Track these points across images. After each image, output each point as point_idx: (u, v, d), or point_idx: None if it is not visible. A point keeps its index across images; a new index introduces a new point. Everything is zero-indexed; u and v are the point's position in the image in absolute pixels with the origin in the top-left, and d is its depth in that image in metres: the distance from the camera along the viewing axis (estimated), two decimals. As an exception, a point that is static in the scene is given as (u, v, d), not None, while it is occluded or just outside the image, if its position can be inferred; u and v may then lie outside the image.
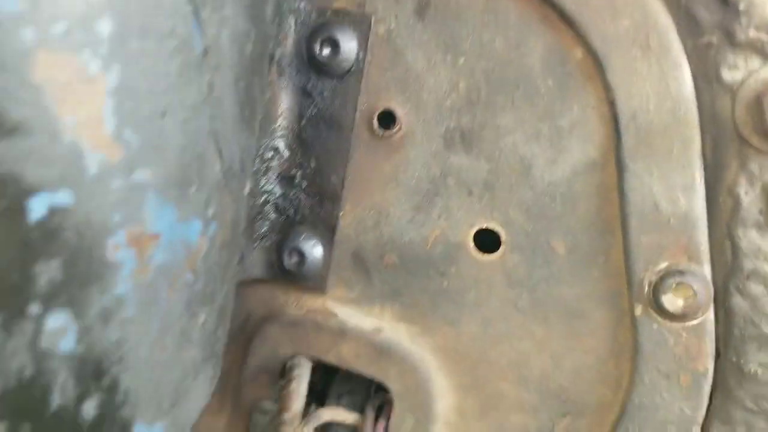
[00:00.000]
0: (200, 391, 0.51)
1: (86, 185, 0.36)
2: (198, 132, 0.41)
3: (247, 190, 0.50)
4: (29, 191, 0.34)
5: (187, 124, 0.40)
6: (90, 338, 0.39)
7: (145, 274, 0.41)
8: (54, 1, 0.33)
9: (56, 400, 0.39)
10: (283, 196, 0.63)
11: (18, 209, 0.34)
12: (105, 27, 0.34)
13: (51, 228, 0.35)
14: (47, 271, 0.36)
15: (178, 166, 0.40)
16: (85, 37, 0.34)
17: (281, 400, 0.63)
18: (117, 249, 0.38)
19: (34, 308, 0.36)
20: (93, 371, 0.40)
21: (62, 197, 0.35)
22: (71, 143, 0.35)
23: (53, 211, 0.35)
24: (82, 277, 0.38)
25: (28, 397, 0.38)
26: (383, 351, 0.63)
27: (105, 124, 0.36)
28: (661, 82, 0.53)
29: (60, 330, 0.38)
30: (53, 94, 0.33)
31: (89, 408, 0.41)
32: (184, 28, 0.38)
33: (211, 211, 0.44)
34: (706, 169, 0.53)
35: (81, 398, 0.40)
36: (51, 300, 0.37)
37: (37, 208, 0.35)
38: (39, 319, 0.37)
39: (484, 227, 0.60)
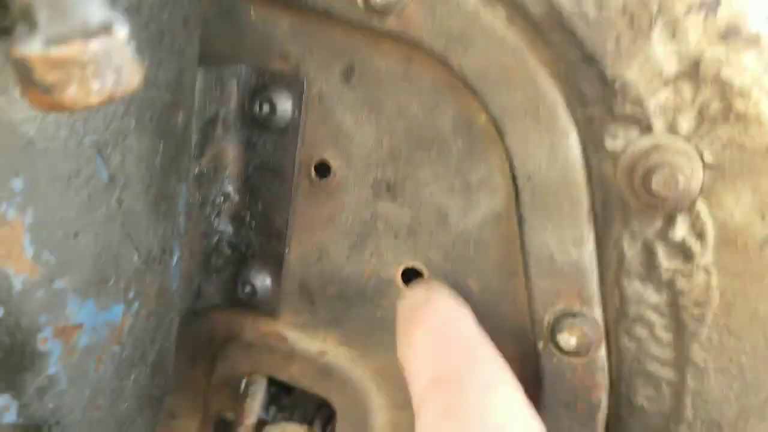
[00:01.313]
0: (141, 430, 0.59)
1: (13, 300, 0.44)
2: (110, 239, 0.49)
3: (175, 260, 0.57)
4: None
5: (99, 236, 0.48)
6: (29, 411, 0.48)
7: (72, 355, 0.49)
8: None
9: None
10: (235, 234, 0.71)
11: None
12: (17, 184, 0.42)
13: None
14: None
15: (94, 269, 0.48)
16: (1, 194, 0.42)
17: (237, 415, 0.71)
18: (45, 341, 0.47)
19: None
20: None
21: None
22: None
23: None
24: (17, 366, 0.46)
25: None
26: (326, 371, 0.71)
27: (25, 253, 0.44)
28: (551, 149, 0.58)
29: (2, 408, 0.47)
30: None
31: None
32: (88, 167, 0.45)
33: (132, 294, 0.52)
34: (597, 224, 0.59)
35: None
36: None
37: None
38: None
39: (409, 266, 0.67)
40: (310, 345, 0.72)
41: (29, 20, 0.30)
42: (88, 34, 0.31)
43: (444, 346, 0.57)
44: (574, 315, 0.60)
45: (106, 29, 0.31)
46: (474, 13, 0.58)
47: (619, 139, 0.56)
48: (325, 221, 0.68)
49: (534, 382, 0.64)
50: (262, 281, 0.71)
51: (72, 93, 0.30)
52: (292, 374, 0.72)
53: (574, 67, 0.56)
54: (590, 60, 0.55)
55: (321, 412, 0.74)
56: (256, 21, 0.66)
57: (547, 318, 0.61)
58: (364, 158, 0.66)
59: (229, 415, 0.76)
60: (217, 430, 0.77)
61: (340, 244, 0.69)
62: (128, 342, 0.54)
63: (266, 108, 0.66)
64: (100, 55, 0.31)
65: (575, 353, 0.61)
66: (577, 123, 0.58)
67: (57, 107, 0.31)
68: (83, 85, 0.31)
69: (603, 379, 0.61)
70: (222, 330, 0.76)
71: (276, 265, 0.71)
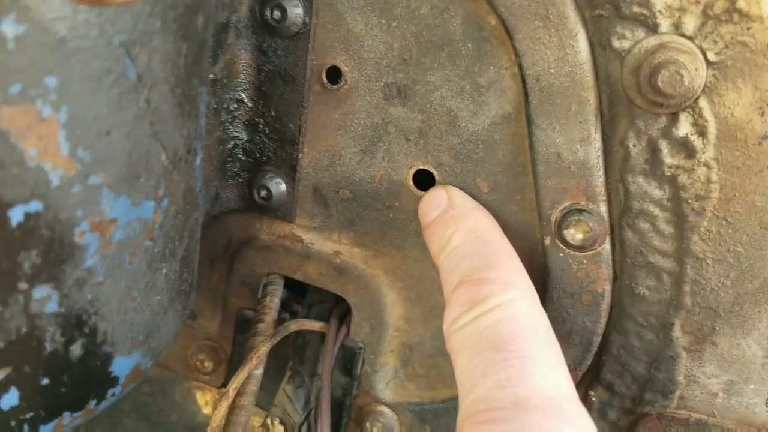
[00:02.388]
0: (171, 324, 0.63)
1: (52, 194, 0.47)
2: (141, 137, 0.51)
3: (198, 161, 0.60)
4: (8, 205, 0.45)
5: (131, 134, 0.50)
6: (69, 301, 0.51)
7: (108, 249, 0.52)
8: (9, 70, 0.42)
9: (48, 346, 0.52)
10: (250, 141, 0.73)
11: (1, 218, 0.45)
12: (52, 81, 0.44)
13: (28, 228, 0.46)
14: (29, 258, 0.47)
15: (127, 166, 0.51)
16: (36, 91, 0.43)
17: (257, 313, 0.75)
18: (83, 235, 0.49)
19: (22, 285, 0.48)
20: (75, 323, 0.53)
21: (34, 206, 0.46)
22: (36, 167, 0.45)
23: (28, 217, 0.46)
24: (58, 258, 0.49)
25: (26, 348, 0.50)
26: (341, 270, 0.74)
27: (61, 149, 0.46)
28: (559, 49, 0.60)
29: (45, 298, 0.50)
30: (18, 135, 0.43)
31: (75, 349, 0.54)
32: (118, 66, 0.47)
33: (161, 191, 0.55)
34: (604, 123, 0.61)
35: (68, 343, 0.53)
36: (35, 278, 0.48)
37: (16, 216, 0.45)
38: (27, 293, 0.49)
39: (420, 168, 0.69)
40: (324, 246, 0.75)
41: None
42: None
43: (478, 250, 0.61)
44: (580, 211, 0.63)
45: None
46: None
47: (626, 39, 0.58)
48: (337, 126, 0.70)
49: (541, 276, 0.67)
50: (277, 186, 0.74)
51: None
52: (308, 273, 0.76)
53: None
54: None
55: (335, 311, 0.78)
56: None
57: (554, 214, 0.64)
58: (375, 63, 0.67)
59: (249, 314, 0.79)
60: (237, 328, 0.81)
61: (352, 148, 0.71)
62: (159, 237, 0.56)
63: (277, 13, 0.67)
64: None
65: (581, 247, 0.64)
66: (586, 23, 0.59)
67: (95, 2, 0.32)
68: None
69: (607, 270, 0.65)
70: (239, 234, 0.78)
71: (290, 169, 0.73)
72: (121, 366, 0.59)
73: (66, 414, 0.55)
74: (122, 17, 0.46)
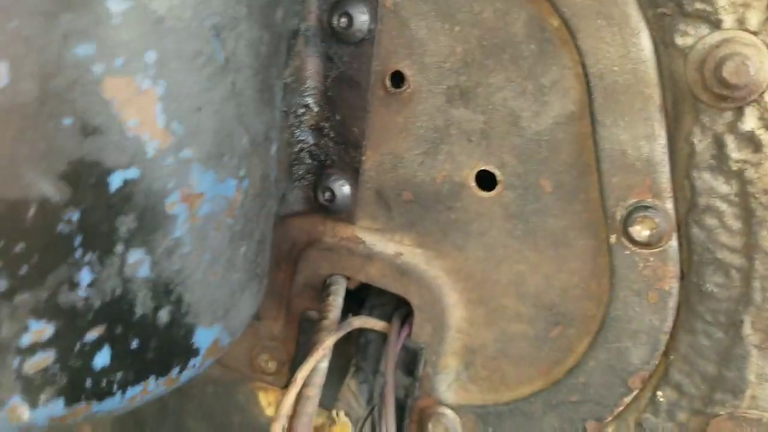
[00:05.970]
0: (247, 303, 0.66)
1: (148, 163, 0.50)
2: (227, 118, 0.54)
3: (273, 150, 0.63)
4: (109, 170, 0.49)
5: (218, 113, 0.53)
6: (159, 267, 0.54)
7: (195, 221, 0.55)
8: (114, 43, 0.46)
9: (139, 310, 0.55)
10: (315, 144, 0.75)
11: (102, 183, 0.49)
12: (151, 57, 0.47)
13: (126, 194, 0.50)
14: (126, 223, 0.51)
15: (214, 143, 0.54)
16: (137, 65, 0.47)
17: (321, 311, 0.76)
18: (174, 205, 0.53)
19: (119, 248, 0.52)
20: (163, 290, 0.56)
21: (132, 173, 0.50)
22: (134, 137, 0.49)
23: (126, 183, 0.50)
24: (151, 225, 0.52)
25: (119, 309, 0.53)
26: (404, 271, 0.75)
27: (157, 121, 0.49)
28: (623, 47, 0.61)
29: (138, 262, 0.53)
30: (119, 105, 0.47)
31: (163, 315, 0.57)
32: (208, 47, 0.50)
33: (242, 172, 0.58)
34: (668, 120, 0.62)
35: (156, 309, 0.56)
36: (130, 242, 0.52)
37: (115, 181, 0.49)
38: (123, 255, 0.52)
39: (482, 169, 0.70)
40: (386, 247, 0.76)
41: None
42: None
43: None
44: (646, 207, 0.63)
45: None
46: None
47: (690, 36, 0.59)
48: (399, 129, 0.72)
49: (607, 275, 0.67)
50: (341, 188, 0.75)
51: None
52: (371, 274, 0.77)
53: None
54: None
55: (397, 314, 0.79)
56: None
57: (620, 212, 0.64)
58: (438, 67, 0.68)
59: (313, 314, 0.81)
60: (300, 328, 0.83)
61: (414, 151, 0.72)
62: (240, 216, 0.60)
63: (344, 21, 0.69)
64: None
65: (647, 244, 0.64)
66: (648, 21, 0.60)
67: None
68: None
69: (674, 268, 0.65)
70: (303, 235, 0.80)
71: (353, 172, 0.75)
72: (202, 337, 0.61)
73: (151, 378, 0.58)
74: (213, 1, 0.49)
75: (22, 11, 0.42)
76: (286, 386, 0.83)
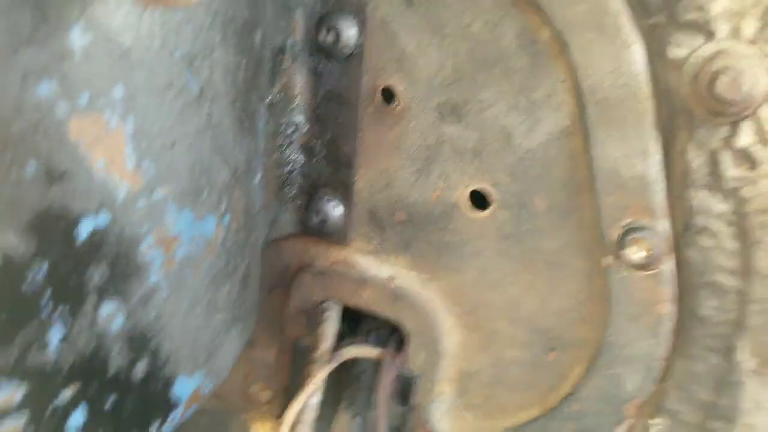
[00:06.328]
0: (232, 344, 0.63)
1: (118, 208, 0.48)
2: (203, 151, 0.52)
3: (257, 179, 0.60)
4: (77, 218, 0.46)
5: (193, 147, 0.51)
6: (135, 318, 0.52)
7: (172, 265, 0.53)
8: (78, 79, 0.43)
9: (114, 365, 0.52)
10: (306, 164, 0.73)
11: (71, 232, 0.46)
12: (118, 92, 0.45)
13: (96, 242, 0.47)
14: (97, 273, 0.48)
15: (190, 179, 0.52)
16: (104, 101, 0.45)
17: (312, 341, 0.74)
18: (148, 250, 0.50)
19: (91, 300, 0.49)
20: (140, 342, 0.53)
21: (102, 219, 0.47)
22: (103, 180, 0.46)
23: (96, 231, 0.47)
24: (124, 274, 0.50)
25: (93, 365, 0.51)
26: (397, 296, 0.73)
27: (126, 162, 0.47)
28: (614, 60, 0.58)
29: (112, 314, 0.50)
30: (86, 147, 0.44)
31: (140, 369, 0.54)
32: (180, 79, 0.48)
33: (223, 207, 0.56)
34: (663, 135, 0.59)
35: (133, 362, 0.53)
36: (102, 293, 0.49)
37: (85, 229, 0.46)
38: (95, 308, 0.49)
39: (476, 188, 0.68)
40: (380, 270, 0.74)
41: None
42: None
43: None
44: (641, 228, 0.61)
45: None
46: None
47: (683, 47, 0.56)
48: (391, 147, 0.70)
49: (601, 297, 0.64)
50: (333, 209, 0.73)
51: None
52: (364, 299, 0.75)
53: None
54: None
55: (393, 336, 0.76)
56: None
57: (615, 232, 0.62)
58: (428, 82, 0.67)
59: (305, 342, 0.78)
60: (294, 356, 0.80)
61: (407, 169, 0.70)
62: (221, 253, 0.57)
63: (331, 36, 0.68)
64: None
65: (642, 266, 0.62)
66: (641, 33, 0.58)
67: (167, 3, 0.33)
68: None
69: (670, 291, 0.62)
70: (295, 259, 0.78)
71: (346, 192, 0.73)
72: (183, 387, 0.59)
73: None
74: (184, 29, 0.47)
75: None
76: (280, 416, 0.81)
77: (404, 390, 0.75)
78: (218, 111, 0.53)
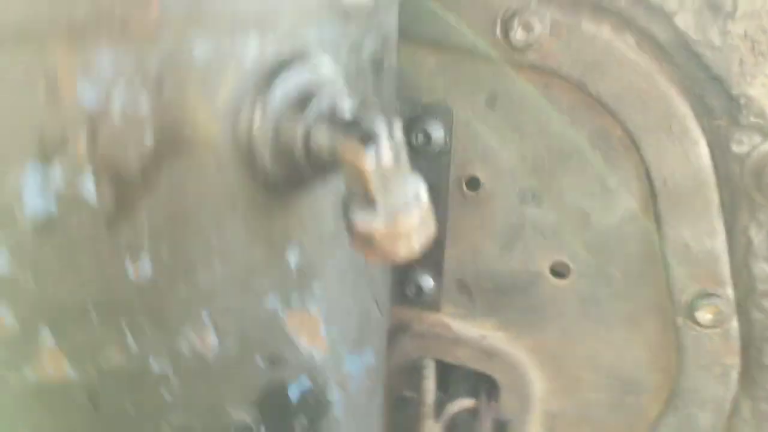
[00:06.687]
0: None
1: (316, 370, 0.57)
2: (366, 300, 0.62)
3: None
4: (288, 386, 0.55)
5: (360, 302, 0.61)
6: None
7: (349, 399, 0.62)
8: (292, 287, 0.53)
9: None
10: (402, 245, 0.83)
11: (285, 399, 0.56)
12: (317, 289, 0.54)
13: (301, 401, 0.57)
14: (299, 423, 0.57)
15: (357, 328, 0.61)
16: (308, 298, 0.54)
17: (420, 395, 0.84)
18: (332, 393, 0.60)
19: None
20: None
21: (303, 381, 0.57)
22: (306, 352, 0.56)
23: (301, 393, 0.57)
24: (317, 417, 0.59)
25: None
26: (489, 352, 0.83)
27: (321, 333, 0.56)
28: (683, 156, 0.68)
29: None
30: (296, 333, 0.54)
31: None
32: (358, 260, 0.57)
33: (376, 338, 0.66)
34: (726, 216, 0.69)
35: None
36: None
37: (293, 394, 0.56)
38: None
39: (556, 260, 0.78)
40: (470, 331, 0.84)
41: (369, 201, 0.41)
42: (410, 206, 0.42)
43: None
44: (709, 295, 0.71)
45: (417, 202, 0.42)
46: (607, 42, 0.67)
47: (744, 145, 0.66)
48: (477, 227, 0.79)
49: (674, 350, 0.74)
50: (426, 281, 0.83)
51: (403, 251, 0.42)
52: (459, 356, 0.85)
53: (701, 85, 0.66)
54: (716, 80, 0.65)
55: (484, 386, 0.86)
56: (406, 61, 0.76)
57: (685, 298, 0.72)
58: (510, 172, 0.76)
59: (407, 393, 0.88)
60: (395, 407, 0.90)
61: (492, 246, 0.79)
62: (374, 371, 0.67)
63: (421, 138, 0.76)
64: (420, 221, 0.42)
65: (711, 326, 0.72)
66: (705, 132, 0.67)
67: (388, 260, 0.42)
68: (410, 245, 0.42)
69: (736, 345, 0.72)
70: (394, 324, 0.88)
71: (437, 267, 0.82)
72: None
73: None
74: None
75: (227, 291, 0.49)
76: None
77: (499, 432, 0.85)
78: (374, 267, 0.62)
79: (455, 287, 0.83)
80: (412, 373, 0.88)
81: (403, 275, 0.84)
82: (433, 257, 0.82)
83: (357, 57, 0.52)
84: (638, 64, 0.67)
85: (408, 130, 0.77)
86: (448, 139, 0.77)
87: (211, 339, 0.49)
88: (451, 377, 0.90)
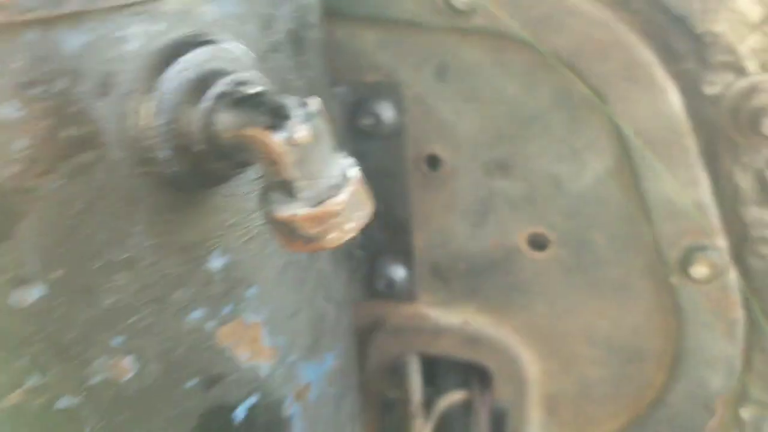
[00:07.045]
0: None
1: (263, 384, 0.52)
2: (318, 303, 0.56)
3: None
4: (233, 407, 0.50)
5: (311, 304, 0.56)
6: None
7: (308, 409, 0.57)
8: (219, 296, 0.47)
9: None
10: (363, 236, 0.76)
11: (229, 420, 0.50)
12: (252, 292, 0.49)
13: (250, 418, 0.51)
14: None
15: (311, 334, 0.56)
16: (242, 305, 0.48)
17: (406, 394, 0.78)
18: (290, 406, 0.54)
19: None
20: None
21: (252, 399, 0.51)
22: (249, 368, 0.50)
23: (249, 409, 0.51)
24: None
25: None
26: (474, 339, 0.77)
27: (264, 344, 0.51)
28: (652, 105, 0.62)
29: None
30: (233, 348, 0.49)
31: None
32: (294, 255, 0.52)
33: (335, 340, 0.60)
34: (707, 163, 0.63)
35: None
36: None
37: (240, 413, 0.51)
38: None
39: (532, 232, 0.72)
40: (451, 318, 0.78)
41: (287, 188, 0.35)
42: (335, 187, 0.36)
43: None
44: (701, 248, 0.65)
45: (345, 177, 0.36)
46: None
47: (717, 85, 0.60)
48: (444, 207, 0.73)
49: (673, 311, 0.69)
50: (396, 272, 0.77)
51: (332, 237, 0.36)
52: (443, 347, 0.79)
53: (663, 28, 0.60)
54: (679, 20, 0.59)
55: (475, 375, 0.81)
56: (343, 40, 0.70)
57: (676, 255, 0.66)
58: (471, 144, 0.70)
59: (391, 393, 0.83)
60: (384, 410, 0.85)
61: (462, 225, 0.74)
62: (338, 375, 0.61)
63: (370, 120, 0.70)
64: (349, 201, 0.36)
65: (707, 281, 0.66)
66: (673, 78, 0.61)
67: (317, 249, 0.36)
68: (340, 228, 0.36)
69: (737, 298, 0.67)
70: (367, 321, 0.82)
71: (406, 255, 0.76)
72: None
73: None
74: None
75: (139, 309, 0.44)
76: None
77: (497, 423, 0.80)
78: (322, 262, 0.57)
79: (429, 274, 0.77)
80: (394, 372, 0.82)
81: (370, 268, 0.78)
82: (401, 245, 0.76)
83: (269, 33, 0.47)
84: (592, 13, 0.62)
85: (355, 113, 0.71)
86: (399, 118, 0.71)
87: (127, 365, 0.43)
88: (438, 371, 0.84)
